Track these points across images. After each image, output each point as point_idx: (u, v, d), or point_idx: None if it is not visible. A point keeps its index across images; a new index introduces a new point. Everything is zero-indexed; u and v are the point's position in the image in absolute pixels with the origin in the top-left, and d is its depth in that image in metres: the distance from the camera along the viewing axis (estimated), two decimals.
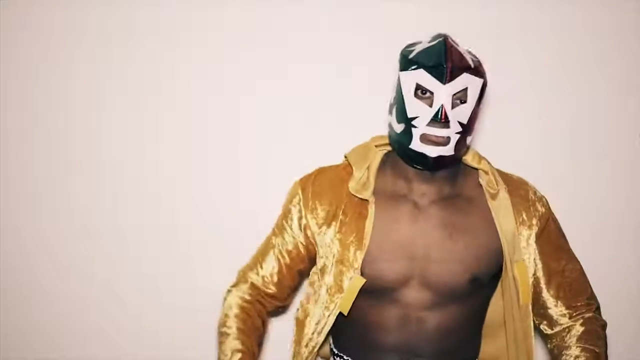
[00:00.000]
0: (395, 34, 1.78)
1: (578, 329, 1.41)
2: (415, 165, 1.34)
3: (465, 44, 1.80)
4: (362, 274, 1.35)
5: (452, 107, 1.29)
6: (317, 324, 1.41)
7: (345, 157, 1.46)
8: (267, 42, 1.82)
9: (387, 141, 1.39)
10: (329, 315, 1.38)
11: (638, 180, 1.86)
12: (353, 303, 1.37)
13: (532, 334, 1.40)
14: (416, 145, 1.29)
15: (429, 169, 1.33)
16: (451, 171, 1.39)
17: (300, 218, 1.43)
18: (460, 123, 1.30)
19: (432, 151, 1.29)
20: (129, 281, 1.86)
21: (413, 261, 1.34)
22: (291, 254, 1.45)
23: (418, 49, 1.34)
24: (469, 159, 1.41)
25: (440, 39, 1.34)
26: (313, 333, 1.41)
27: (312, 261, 1.46)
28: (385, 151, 1.42)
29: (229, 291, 1.47)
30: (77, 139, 1.84)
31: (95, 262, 1.86)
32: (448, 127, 1.28)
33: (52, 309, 1.87)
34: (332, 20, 1.81)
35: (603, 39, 1.83)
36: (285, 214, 1.46)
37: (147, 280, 1.86)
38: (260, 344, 1.44)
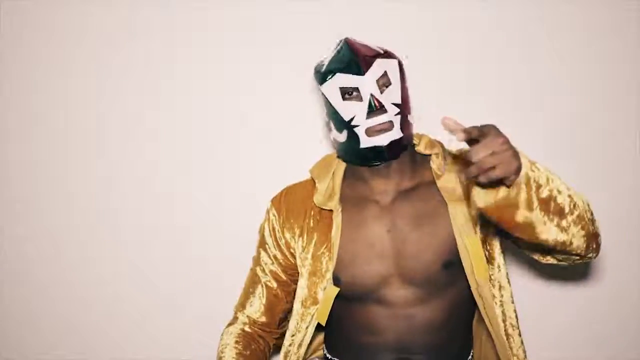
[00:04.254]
0: (395, 34, 1.79)
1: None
2: (372, 163, 1.35)
3: (465, 43, 1.82)
4: (338, 282, 1.36)
5: (381, 93, 1.31)
6: (292, 336, 1.42)
7: (310, 172, 1.48)
8: (267, 42, 1.82)
9: None
10: (307, 328, 1.39)
11: (638, 180, 1.86)
12: (342, 309, 1.37)
13: (495, 306, 1.34)
14: (365, 141, 1.32)
15: (386, 159, 1.34)
16: (406, 163, 1.39)
17: (279, 239, 1.45)
18: (395, 104, 1.32)
19: (382, 139, 1.31)
20: (129, 281, 1.86)
21: (387, 260, 1.34)
22: (278, 278, 1.46)
23: (327, 60, 1.38)
24: (422, 148, 1.41)
25: (342, 43, 1.37)
26: (290, 345, 1.42)
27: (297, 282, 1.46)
28: None
29: (225, 331, 1.48)
30: (77, 139, 1.84)
31: (95, 262, 1.85)
32: (385, 111, 1.30)
33: (52, 309, 1.87)
34: (332, 21, 1.81)
35: (603, 39, 1.83)
36: (262, 242, 1.48)
37: (147, 280, 1.86)
38: None
